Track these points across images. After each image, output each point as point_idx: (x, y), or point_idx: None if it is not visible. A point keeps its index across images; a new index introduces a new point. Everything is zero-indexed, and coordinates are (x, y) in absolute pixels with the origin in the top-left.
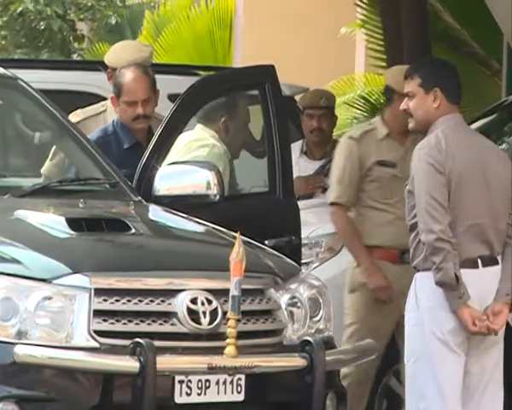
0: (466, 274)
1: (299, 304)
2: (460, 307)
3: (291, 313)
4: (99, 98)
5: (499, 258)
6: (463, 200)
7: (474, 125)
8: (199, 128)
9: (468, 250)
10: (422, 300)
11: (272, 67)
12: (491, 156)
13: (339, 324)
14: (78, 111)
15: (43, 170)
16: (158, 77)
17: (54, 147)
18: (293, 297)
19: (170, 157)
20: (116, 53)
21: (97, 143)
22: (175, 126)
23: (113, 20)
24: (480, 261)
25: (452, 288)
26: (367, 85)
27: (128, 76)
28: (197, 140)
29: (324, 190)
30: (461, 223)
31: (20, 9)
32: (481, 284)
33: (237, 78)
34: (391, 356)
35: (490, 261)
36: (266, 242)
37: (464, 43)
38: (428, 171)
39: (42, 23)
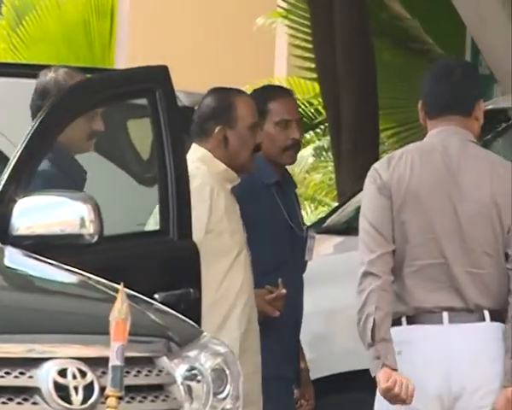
0: (421, 331)
1: (199, 377)
2: (377, 369)
3: (189, 389)
4: None
5: (485, 314)
6: (412, 231)
7: None
8: (189, 151)
9: (423, 299)
10: None
11: (165, 68)
12: (471, 177)
13: None
14: None
15: None
16: (13, 81)
17: None
18: (192, 368)
19: None
20: None
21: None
22: (37, 147)
23: None
24: (445, 316)
25: (369, 343)
26: None
27: None
28: None
29: None
30: (409, 262)
31: None
32: (444, 346)
33: (118, 83)
34: None
35: (461, 316)
36: (156, 296)
37: (415, 38)
38: (370, 190)
39: None
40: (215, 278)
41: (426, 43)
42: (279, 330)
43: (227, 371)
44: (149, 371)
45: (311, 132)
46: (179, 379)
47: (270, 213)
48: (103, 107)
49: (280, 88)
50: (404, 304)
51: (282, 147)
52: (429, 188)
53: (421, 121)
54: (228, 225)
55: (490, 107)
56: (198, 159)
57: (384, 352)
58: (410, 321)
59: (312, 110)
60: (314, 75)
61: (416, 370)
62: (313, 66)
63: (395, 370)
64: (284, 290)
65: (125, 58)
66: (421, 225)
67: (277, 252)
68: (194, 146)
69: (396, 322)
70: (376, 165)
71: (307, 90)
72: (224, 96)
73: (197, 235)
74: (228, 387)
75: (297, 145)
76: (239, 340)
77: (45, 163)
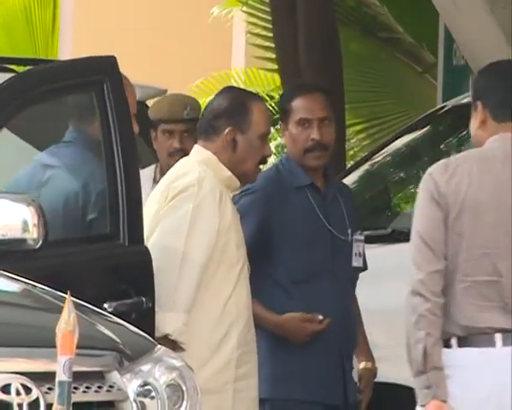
0: (472, 354)
1: (153, 393)
2: (427, 400)
3: (142, 406)
4: None
5: None
6: (465, 244)
7: (398, 142)
8: (192, 153)
9: (475, 318)
10: None
11: (113, 59)
12: None
13: None
14: None
15: None
16: None
17: None
18: (146, 384)
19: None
20: None
21: None
22: None
23: None
24: (498, 337)
25: (418, 370)
26: (248, 85)
27: None
28: (183, 187)
29: None
30: (461, 277)
31: None
32: (498, 370)
33: (62, 75)
34: None
35: None
36: (106, 305)
37: (384, 26)
38: (423, 198)
39: None
40: (223, 291)
41: (396, 31)
42: (316, 347)
43: (183, 387)
44: (99, 387)
45: (272, 129)
46: (132, 395)
47: (301, 217)
48: (46, 101)
49: (310, 84)
50: (453, 323)
51: (302, 148)
52: (488, 199)
53: (479, 125)
54: (234, 236)
55: (466, 100)
56: (202, 162)
57: (435, 381)
58: (461, 343)
59: (273, 104)
60: (275, 66)
61: (468, 396)
62: (273, 56)
63: (445, 401)
64: (321, 317)
65: (69, 48)
66: (475, 238)
67: (312, 258)
68: (196, 148)
69: (445, 343)
70: (432, 170)
71: (267, 83)
72: (241, 98)
73: (206, 243)
74: (184, 404)
75: (320, 147)
76: (236, 361)
77: None
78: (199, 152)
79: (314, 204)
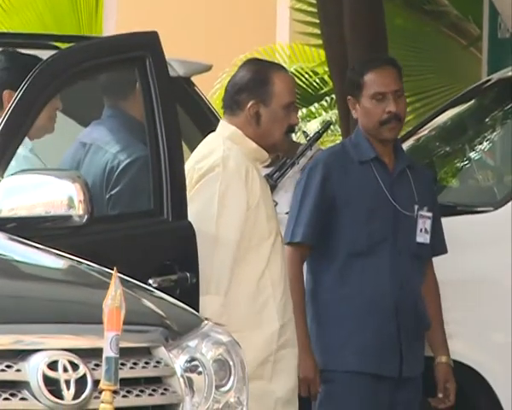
0: None
1: (200, 368)
2: None
3: (189, 381)
4: None
5: None
6: None
7: (444, 116)
8: (218, 129)
9: None
10: None
11: (155, 34)
12: None
13: None
14: None
15: None
16: None
17: None
18: (193, 359)
19: None
20: None
21: None
22: (20, 120)
23: None
24: None
25: None
26: (293, 60)
27: None
28: (208, 168)
29: None
30: None
31: None
32: None
33: (105, 51)
34: None
35: None
36: (150, 281)
37: (430, 0)
38: None
39: None
40: (256, 267)
41: (441, 4)
42: (371, 318)
43: (230, 362)
44: (146, 363)
45: (317, 105)
46: (179, 371)
47: (363, 190)
48: (88, 78)
49: (380, 58)
50: None
51: (377, 121)
52: None
53: None
54: (264, 210)
55: (511, 73)
56: (227, 137)
57: None
58: None
59: (317, 80)
60: (319, 41)
61: None
62: (318, 31)
63: None
64: None
65: (113, 26)
66: None
67: (372, 231)
68: (222, 123)
69: None
70: None
71: (312, 58)
72: (261, 70)
73: (237, 221)
74: (232, 379)
75: (395, 118)
76: (278, 333)
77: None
78: (225, 127)
79: (378, 178)
